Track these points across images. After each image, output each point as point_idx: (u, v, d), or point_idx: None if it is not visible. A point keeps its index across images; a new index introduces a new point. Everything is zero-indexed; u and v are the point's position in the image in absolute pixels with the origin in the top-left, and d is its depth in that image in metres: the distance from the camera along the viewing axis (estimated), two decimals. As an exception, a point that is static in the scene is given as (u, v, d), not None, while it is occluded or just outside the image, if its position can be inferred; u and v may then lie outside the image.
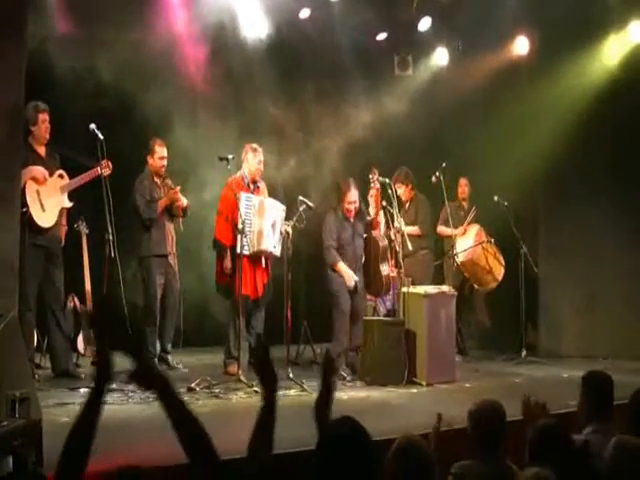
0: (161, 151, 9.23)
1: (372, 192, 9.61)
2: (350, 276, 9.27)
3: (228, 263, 8.92)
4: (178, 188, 9.16)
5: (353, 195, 9.36)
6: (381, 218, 9.60)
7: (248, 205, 8.83)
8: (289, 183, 9.88)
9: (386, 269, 9.45)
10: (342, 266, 9.30)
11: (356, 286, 9.34)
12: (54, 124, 8.39)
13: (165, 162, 9.25)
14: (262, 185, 9.41)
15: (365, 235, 9.53)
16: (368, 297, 9.81)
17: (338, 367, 3.62)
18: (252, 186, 9.24)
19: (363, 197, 9.60)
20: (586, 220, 11.19)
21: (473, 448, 4.58)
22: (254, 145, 9.24)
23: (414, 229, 10.59)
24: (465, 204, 11.44)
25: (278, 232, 9.05)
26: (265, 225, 8.91)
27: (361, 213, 9.52)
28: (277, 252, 9.10)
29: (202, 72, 10.08)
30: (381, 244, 9.46)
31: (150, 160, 9.25)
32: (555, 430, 4.27)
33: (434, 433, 4.76)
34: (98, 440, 2.77)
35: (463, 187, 11.46)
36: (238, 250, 8.68)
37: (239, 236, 8.61)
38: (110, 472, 2.31)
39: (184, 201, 9.25)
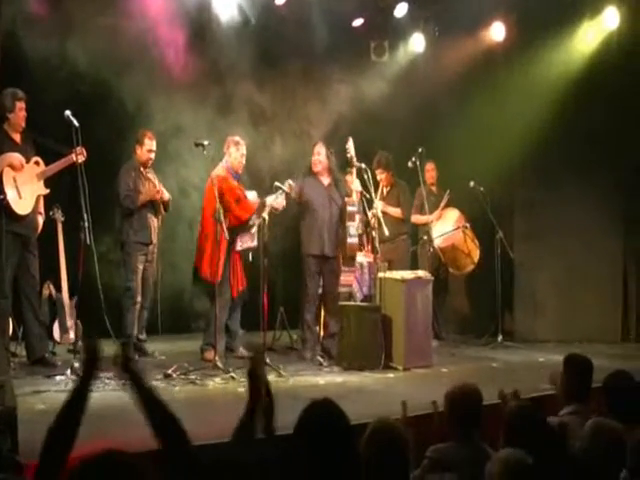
0: (150, 144, 9.14)
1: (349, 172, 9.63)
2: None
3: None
4: (159, 188, 9.10)
5: (317, 147, 9.45)
6: (356, 184, 9.54)
7: None
8: (266, 166, 9.88)
9: (352, 231, 9.36)
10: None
11: (323, 270, 9.41)
12: (28, 111, 8.33)
13: (153, 155, 9.19)
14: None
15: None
16: (343, 281, 9.78)
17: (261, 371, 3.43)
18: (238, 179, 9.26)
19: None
20: (562, 206, 11.24)
21: (450, 431, 4.61)
22: (236, 138, 9.22)
23: (397, 211, 10.63)
24: (434, 189, 11.40)
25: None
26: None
27: (339, 184, 9.52)
28: (255, 242, 9.20)
29: (179, 57, 10.02)
30: (349, 208, 9.37)
31: (138, 151, 9.15)
32: (529, 413, 4.30)
33: (401, 421, 4.77)
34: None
35: (431, 172, 11.39)
36: (237, 247, 8.87)
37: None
38: (91, 457, 2.29)
39: (165, 194, 9.19)
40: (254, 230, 9.07)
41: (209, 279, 8.93)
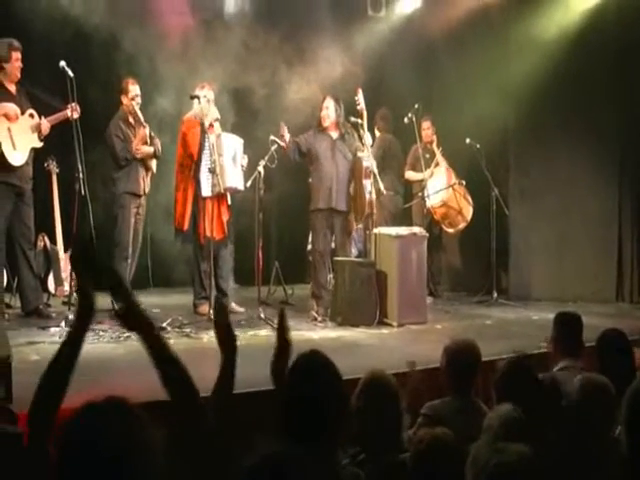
0: (134, 90, 9.02)
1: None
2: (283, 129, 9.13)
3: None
4: (148, 137, 9.04)
5: (326, 102, 9.32)
6: (368, 138, 9.45)
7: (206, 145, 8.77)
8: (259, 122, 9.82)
9: (369, 188, 9.18)
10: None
11: (334, 226, 9.27)
12: (22, 61, 8.26)
13: (139, 100, 9.06)
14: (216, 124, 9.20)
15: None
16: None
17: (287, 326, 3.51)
18: (205, 124, 8.93)
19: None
20: (557, 163, 11.18)
21: (446, 384, 4.63)
22: (203, 91, 8.94)
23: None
24: (430, 147, 11.33)
25: (239, 165, 8.98)
26: (226, 161, 8.83)
27: (346, 134, 9.39)
28: (241, 186, 9.05)
29: (175, 7, 9.92)
30: (364, 164, 9.24)
31: (124, 100, 9.04)
32: (520, 368, 4.31)
33: (410, 381, 4.79)
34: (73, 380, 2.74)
35: (426, 130, 11.24)
36: (203, 192, 8.66)
37: (209, 176, 8.57)
38: (95, 402, 2.27)
39: (151, 148, 9.12)
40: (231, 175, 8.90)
41: (181, 229, 9.00)
